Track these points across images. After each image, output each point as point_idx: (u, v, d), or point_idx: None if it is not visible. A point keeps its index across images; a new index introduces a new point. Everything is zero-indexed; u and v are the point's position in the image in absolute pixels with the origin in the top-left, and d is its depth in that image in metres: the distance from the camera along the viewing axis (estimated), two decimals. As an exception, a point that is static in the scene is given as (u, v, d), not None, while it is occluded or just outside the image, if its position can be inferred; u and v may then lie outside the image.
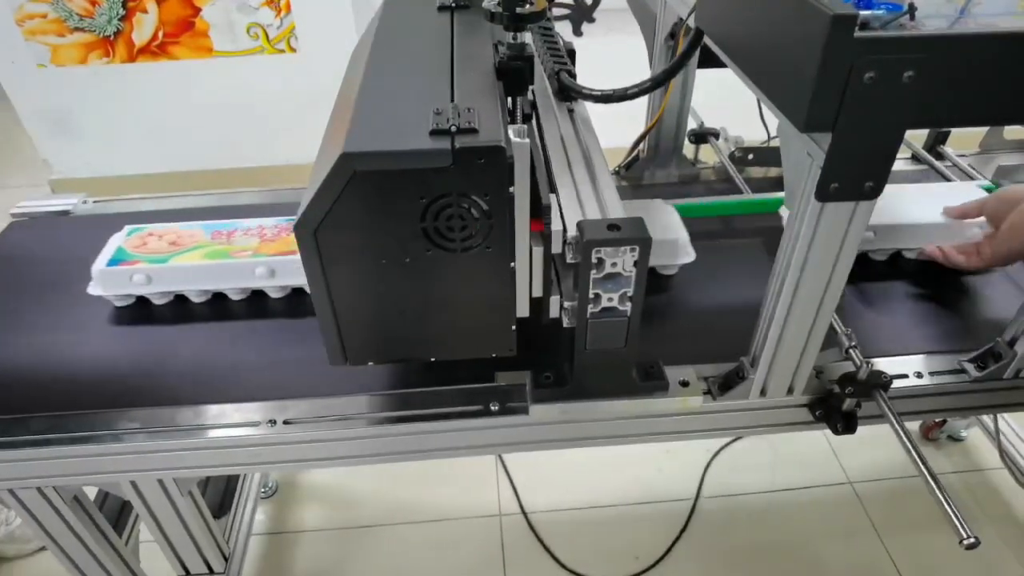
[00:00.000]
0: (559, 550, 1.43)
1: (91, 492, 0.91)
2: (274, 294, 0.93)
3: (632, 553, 1.43)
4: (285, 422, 0.76)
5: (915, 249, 0.95)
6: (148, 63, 2.35)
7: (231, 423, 0.76)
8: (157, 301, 0.93)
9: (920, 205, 0.96)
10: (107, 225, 0.99)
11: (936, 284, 0.93)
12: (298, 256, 0.87)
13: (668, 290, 0.93)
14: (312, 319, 0.88)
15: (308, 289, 0.91)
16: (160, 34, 2.30)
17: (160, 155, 2.56)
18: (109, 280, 0.90)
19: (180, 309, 0.92)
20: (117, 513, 1.00)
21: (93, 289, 0.91)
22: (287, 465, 0.79)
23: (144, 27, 2.28)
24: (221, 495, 1.20)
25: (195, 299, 0.93)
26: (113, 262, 0.90)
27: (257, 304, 0.93)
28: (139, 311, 0.92)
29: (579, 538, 1.46)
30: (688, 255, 0.92)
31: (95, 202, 1.17)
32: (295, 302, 0.93)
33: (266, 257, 0.90)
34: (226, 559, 0.99)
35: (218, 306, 0.93)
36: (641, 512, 1.51)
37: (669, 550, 1.43)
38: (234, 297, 0.93)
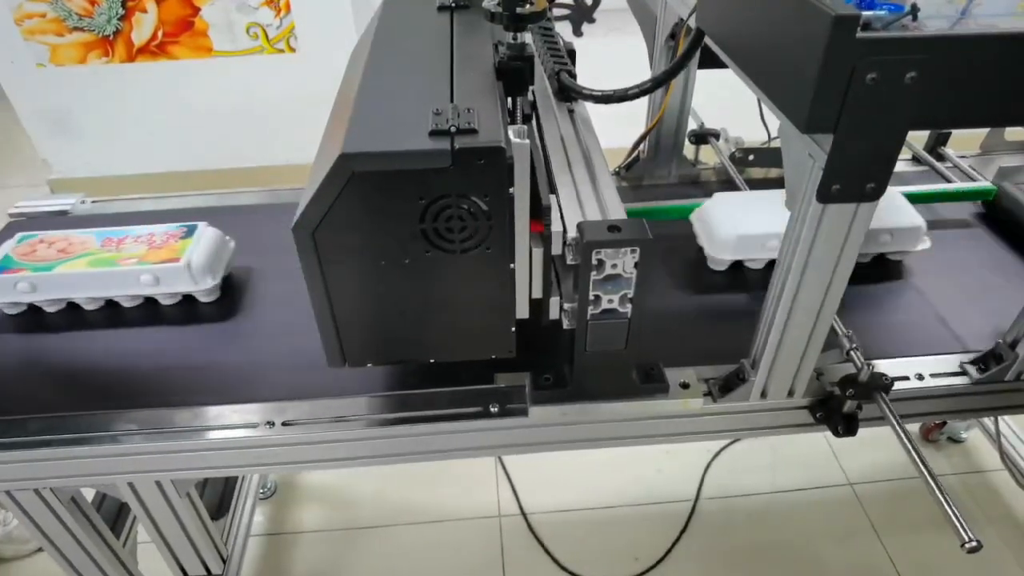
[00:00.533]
0: (559, 551, 1.43)
1: (88, 494, 0.90)
2: (164, 301, 0.93)
3: (632, 554, 1.42)
4: (284, 423, 0.75)
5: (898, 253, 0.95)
6: (147, 63, 2.35)
7: (229, 424, 0.76)
8: (48, 309, 0.92)
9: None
10: (106, 225, 0.98)
11: (937, 286, 0.92)
12: (181, 263, 0.88)
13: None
14: (202, 325, 0.90)
15: (197, 296, 0.92)
16: (159, 34, 2.30)
17: (159, 155, 2.56)
18: None
19: (72, 317, 0.92)
20: (115, 514, 0.99)
21: None
22: (286, 466, 0.79)
23: (143, 27, 2.28)
24: (219, 496, 1.20)
25: (86, 307, 0.92)
26: None
27: (150, 311, 0.93)
28: (30, 319, 0.92)
29: (579, 539, 1.46)
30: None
31: (94, 202, 1.17)
32: (187, 309, 0.93)
33: (150, 265, 0.89)
34: (224, 561, 0.99)
35: (110, 313, 0.92)
36: (641, 513, 1.51)
37: (669, 551, 1.43)
38: (125, 304, 0.93)
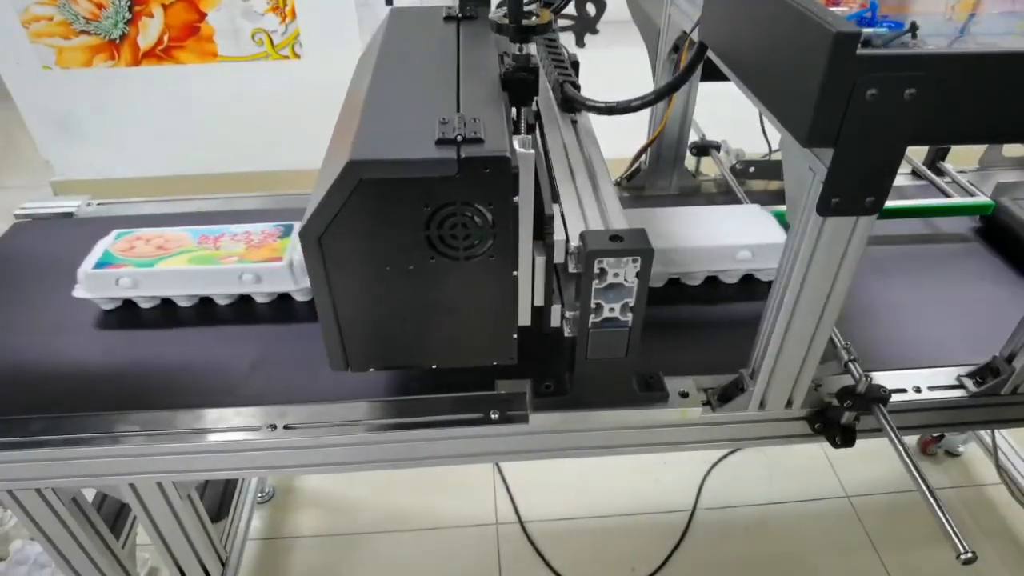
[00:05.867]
0: (555, 560, 1.43)
1: (89, 494, 0.91)
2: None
3: (629, 564, 1.42)
4: (285, 427, 0.76)
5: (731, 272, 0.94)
6: (153, 67, 2.36)
7: (231, 427, 0.76)
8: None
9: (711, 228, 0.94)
10: (110, 228, 0.99)
11: (935, 299, 0.93)
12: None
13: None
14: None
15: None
16: (165, 38, 2.31)
17: (163, 159, 2.57)
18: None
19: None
20: (115, 515, 1.00)
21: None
22: (287, 470, 0.79)
23: (149, 31, 2.29)
24: (219, 499, 1.20)
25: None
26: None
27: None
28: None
29: (576, 548, 1.46)
30: None
31: (98, 204, 1.17)
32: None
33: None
34: (223, 564, 0.99)
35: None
36: (638, 523, 1.51)
37: (666, 561, 1.43)
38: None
